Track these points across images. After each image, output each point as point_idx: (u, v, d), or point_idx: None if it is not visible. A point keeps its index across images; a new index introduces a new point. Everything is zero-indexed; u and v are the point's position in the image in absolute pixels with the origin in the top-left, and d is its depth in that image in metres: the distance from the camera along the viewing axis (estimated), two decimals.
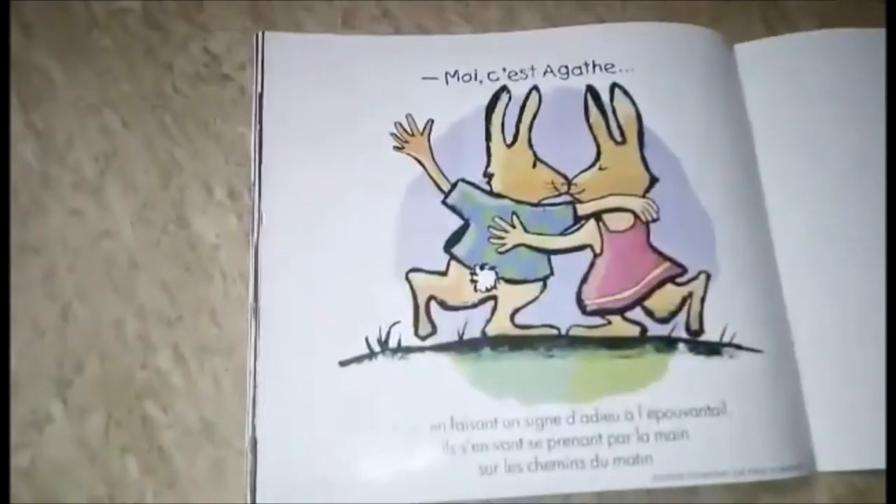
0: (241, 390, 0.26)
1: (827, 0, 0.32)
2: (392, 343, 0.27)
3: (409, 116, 0.30)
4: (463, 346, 0.27)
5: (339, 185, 0.29)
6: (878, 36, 0.31)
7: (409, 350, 0.26)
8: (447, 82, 0.30)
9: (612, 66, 0.31)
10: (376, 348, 0.26)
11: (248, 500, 0.25)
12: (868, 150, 0.29)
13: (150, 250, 0.28)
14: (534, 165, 0.29)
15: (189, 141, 0.30)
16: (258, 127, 0.29)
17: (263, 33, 0.31)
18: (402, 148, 0.29)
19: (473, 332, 0.27)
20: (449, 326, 0.27)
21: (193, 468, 0.26)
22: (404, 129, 0.30)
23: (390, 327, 0.27)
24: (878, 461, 0.25)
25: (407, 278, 0.27)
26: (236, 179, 0.29)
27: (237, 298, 0.28)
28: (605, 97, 0.30)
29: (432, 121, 0.30)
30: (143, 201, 0.29)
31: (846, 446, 0.26)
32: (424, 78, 0.31)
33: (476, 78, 0.31)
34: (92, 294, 0.28)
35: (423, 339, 0.27)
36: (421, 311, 0.27)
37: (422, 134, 0.30)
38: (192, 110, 0.30)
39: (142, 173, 0.29)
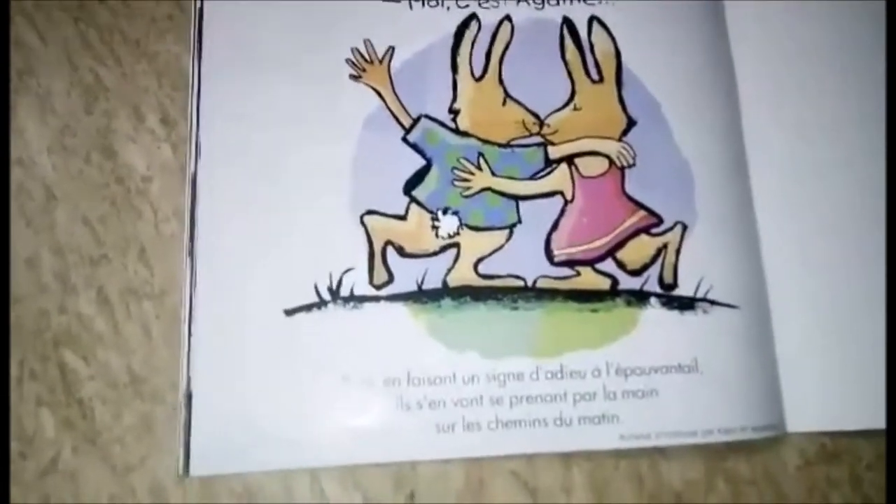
0: (174, 339, 0.24)
1: None
2: (344, 291, 0.24)
3: (367, 42, 0.27)
4: (422, 296, 0.25)
5: (288, 115, 0.26)
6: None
7: (363, 299, 0.24)
8: (411, 6, 0.28)
9: None
10: (326, 297, 0.24)
11: (181, 461, 0.23)
12: (853, 113, 0.28)
13: (70, 182, 0.25)
14: (503, 102, 0.27)
15: (117, 60, 0.26)
16: (197, 47, 0.26)
17: None
18: (359, 77, 0.27)
19: (433, 282, 0.25)
20: (407, 275, 0.25)
21: (118, 424, 0.23)
22: (362, 56, 0.27)
23: (342, 274, 0.25)
24: (850, 422, 0.25)
25: (362, 221, 0.25)
26: (171, 105, 0.26)
27: (170, 237, 0.25)
28: (582, 31, 0.28)
29: (393, 48, 0.27)
30: (62, 127, 0.26)
31: (818, 407, 0.25)
32: (386, 0, 0.28)
33: (443, 3, 0.28)
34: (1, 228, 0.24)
35: (378, 287, 0.25)
36: (377, 257, 0.25)
37: (381, 62, 0.27)
38: (120, 26, 0.27)
39: (61, 95, 0.26)
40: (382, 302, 0.25)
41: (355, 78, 0.27)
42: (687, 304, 0.25)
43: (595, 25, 0.28)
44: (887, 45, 0.28)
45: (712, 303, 0.25)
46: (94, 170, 0.25)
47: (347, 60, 0.27)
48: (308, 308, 0.24)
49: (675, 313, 0.25)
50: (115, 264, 0.24)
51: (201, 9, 0.27)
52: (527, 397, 0.24)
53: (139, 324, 0.24)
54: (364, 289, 0.25)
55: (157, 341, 0.24)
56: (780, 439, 0.25)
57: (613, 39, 0.28)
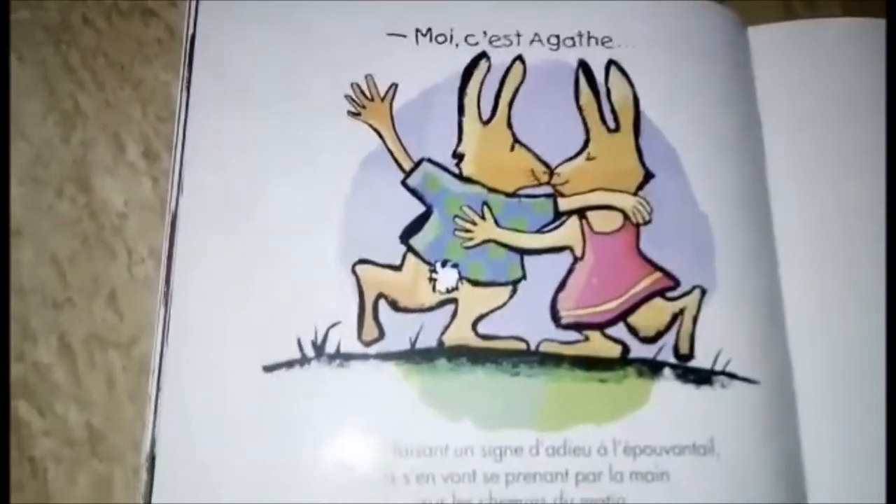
0: (141, 393, 0.22)
1: None
2: (329, 347, 0.22)
3: (368, 78, 0.25)
4: (415, 355, 0.23)
5: (280, 152, 0.24)
6: None
7: (350, 357, 0.22)
8: (417, 41, 0.26)
9: (610, 39, 0.26)
10: (310, 352, 0.22)
11: None
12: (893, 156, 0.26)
13: (39, 216, 0.23)
14: (512, 148, 0.25)
15: (99, 86, 0.25)
16: (186, 75, 0.25)
17: None
18: (359, 114, 0.25)
19: (428, 341, 0.23)
20: (399, 331, 0.23)
21: (73, 486, 0.21)
22: (362, 92, 0.25)
23: (329, 328, 0.22)
24: None
25: (353, 271, 0.23)
26: (155, 136, 0.25)
27: (144, 280, 0.23)
28: (599, 75, 0.26)
29: (396, 85, 0.25)
30: (34, 155, 0.24)
31: (845, 494, 0.23)
32: (390, 34, 0.26)
33: (451, 40, 0.26)
34: None
35: (367, 344, 0.23)
36: (367, 311, 0.23)
37: (383, 100, 0.25)
38: (105, 49, 0.25)
39: (36, 120, 0.24)
40: (371, 360, 0.22)
41: (354, 115, 0.25)
42: (704, 377, 0.23)
43: (613, 70, 0.26)
44: (887, 54, 0.26)
45: (731, 377, 0.23)
46: (65, 204, 0.23)
47: (346, 96, 0.25)
48: (289, 364, 0.22)
49: (690, 387, 0.23)
50: (81, 308, 0.22)
51: (193, 36, 0.25)
52: (525, 475, 0.22)
53: (103, 375, 0.22)
54: (352, 345, 0.22)
55: (120, 395, 0.22)
56: None
57: (632, 85, 0.26)
